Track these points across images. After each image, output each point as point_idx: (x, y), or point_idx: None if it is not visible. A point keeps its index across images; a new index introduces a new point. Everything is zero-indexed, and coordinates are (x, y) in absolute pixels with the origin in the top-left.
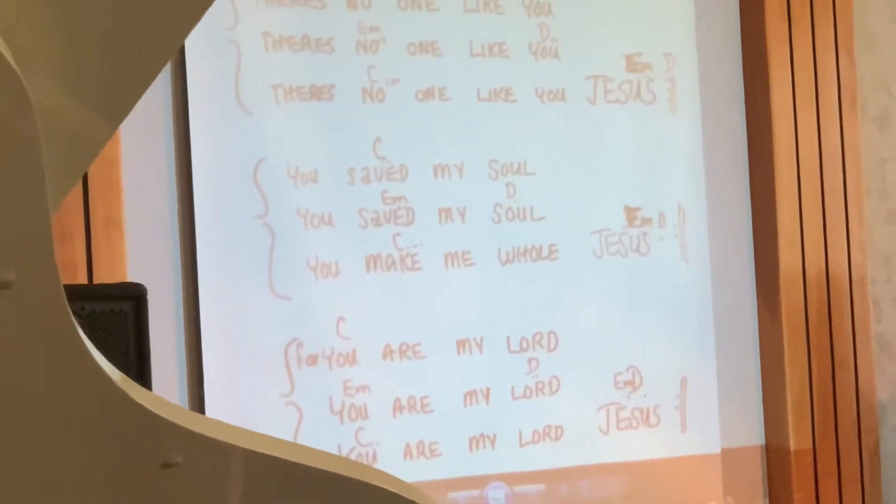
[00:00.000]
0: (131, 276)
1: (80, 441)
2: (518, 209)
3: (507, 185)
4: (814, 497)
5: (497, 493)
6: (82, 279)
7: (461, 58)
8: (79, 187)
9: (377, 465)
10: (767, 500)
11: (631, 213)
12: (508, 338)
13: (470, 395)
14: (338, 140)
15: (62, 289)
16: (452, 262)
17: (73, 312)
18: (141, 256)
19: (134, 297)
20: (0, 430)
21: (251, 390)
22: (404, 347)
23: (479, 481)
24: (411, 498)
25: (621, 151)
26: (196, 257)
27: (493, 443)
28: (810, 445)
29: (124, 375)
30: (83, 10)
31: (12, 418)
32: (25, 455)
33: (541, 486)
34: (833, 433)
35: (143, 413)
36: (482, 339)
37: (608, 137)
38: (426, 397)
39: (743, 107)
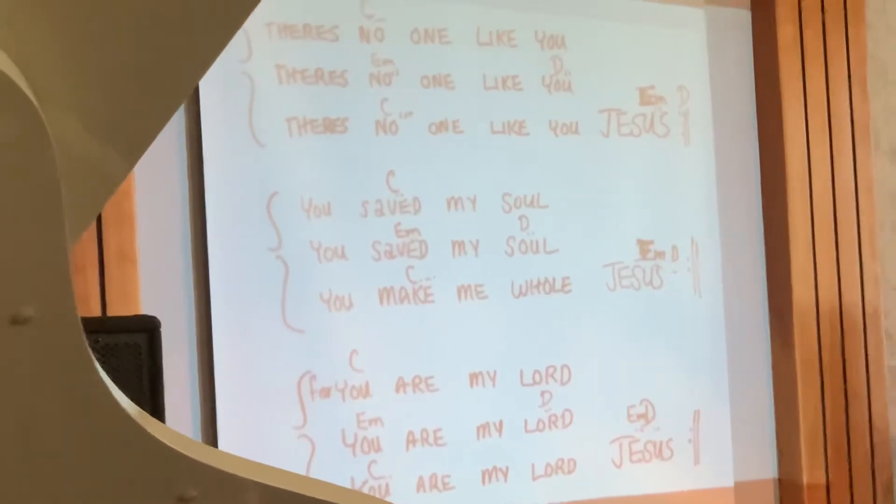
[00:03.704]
0: (144, 309)
1: (98, 475)
2: (531, 242)
3: (521, 217)
4: None
5: None
6: (95, 312)
7: (474, 91)
8: None
9: (390, 498)
10: None
11: (644, 246)
12: (521, 371)
13: (483, 428)
14: (351, 173)
15: (80, 324)
16: (465, 295)
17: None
18: (154, 289)
19: (148, 330)
20: (17, 463)
21: (264, 423)
22: (417, 380)
23: None
24: None
25: (634, 184)
26: (209, 290)
27: (505, 476)
28: (824, 480)
29: (141, 410)
30: (101, 46)
31: (30, 452)
32: (43, 489)
33: None
34: (846, 467)
35: (160, 447)
36: (495, 372)
37: (621, 170)
38: (439, 430)
39: (756, 140)
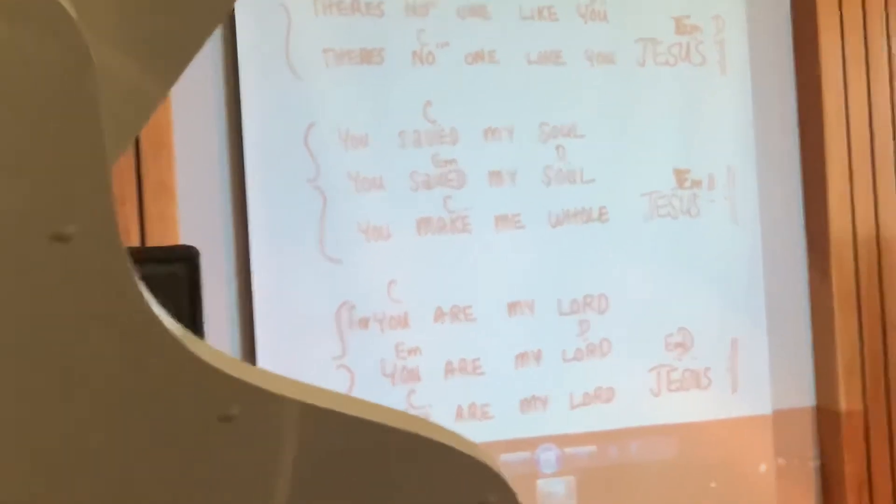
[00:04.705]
0: (183, 240)
1: (140, 393)
2: (568, 171)
3: (557, 147)
4: (865, 458)
5: (548, 454)
6: (135, 243)
7: (511, 21)
8: (131, 151)
9: None
10: (819, 461)
11: (680, 175)
12: (559, 300)
13: (521, 358)
14: (388, 104)
15: (122, 243)
16: (503, 225)
17: None
18: (193, 220)
19: (187, 260)
20: (59, 383)
21: (303, 353)
22: (455, 310)
23: (531, 443)
24: (471, 454)
25: (671, 114)
26: (248, 220)
27: (544, 405)
28: (861, 407)
29: (185, 329)
30: None
31: (71, 372)
32: (83, 409)
33: (591, 448)
34: (884, 395)
35: (203, 366)
36: (533, 301)
37: (657, 100)
38: (477, 360)
39: (793, 68)
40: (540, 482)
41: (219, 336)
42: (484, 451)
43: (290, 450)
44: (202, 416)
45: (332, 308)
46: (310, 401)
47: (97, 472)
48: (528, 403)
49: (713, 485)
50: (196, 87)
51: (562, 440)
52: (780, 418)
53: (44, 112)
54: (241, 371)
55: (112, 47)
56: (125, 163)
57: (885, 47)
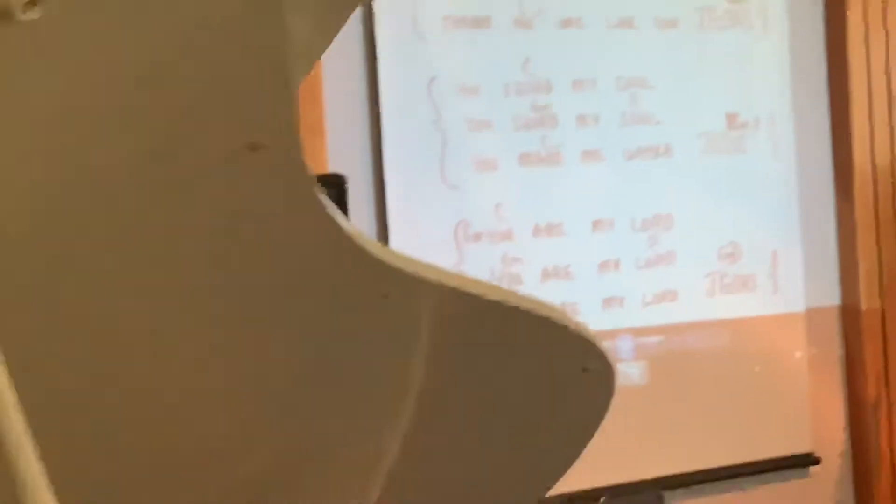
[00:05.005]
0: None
1: (321, 278)
2: (640, 115)
3: (631, 96)
4: (882, 347)
5: (625, 343)
6: None
7: None
8: None
9: None
10: (843, 350)
11: (731, 118)
12: (633, 219)
13: (603, 265)
14: (495, 61)
15: (304, 154)
16: (588, 158)
17: None
18: (340, 156)
19: (338, 185)
20: (262, 273)
21: (428, 261)
22: (550, 227)
23: (611, 334)
24: (576, 327)
25: (723, 68)
26: (383, 155)
27: (621, 303)
28: (879, 306)
29: (354, 227)
30: None
31: (265, 269)
32: (284, 297)
33: (660, 338)
34: None
35: (368, 256)
36: (613, 219)
37: (713, 57)
38: (568, 266)
39: (824, 29)
40: (618, 366)
41: None
42: (585, 325)
43: (430, 320)
44: (366, 294)
45: (451, 225)
46: (448, 282)
47: (287, 346)
48: (608, 302)
49: (757, 369)
50: (340, 47)
51: (636, 332)
52: (812, 315)
53: (242, 51)
54: (399, 259)
55: (293, 10)
56: None
57: None
